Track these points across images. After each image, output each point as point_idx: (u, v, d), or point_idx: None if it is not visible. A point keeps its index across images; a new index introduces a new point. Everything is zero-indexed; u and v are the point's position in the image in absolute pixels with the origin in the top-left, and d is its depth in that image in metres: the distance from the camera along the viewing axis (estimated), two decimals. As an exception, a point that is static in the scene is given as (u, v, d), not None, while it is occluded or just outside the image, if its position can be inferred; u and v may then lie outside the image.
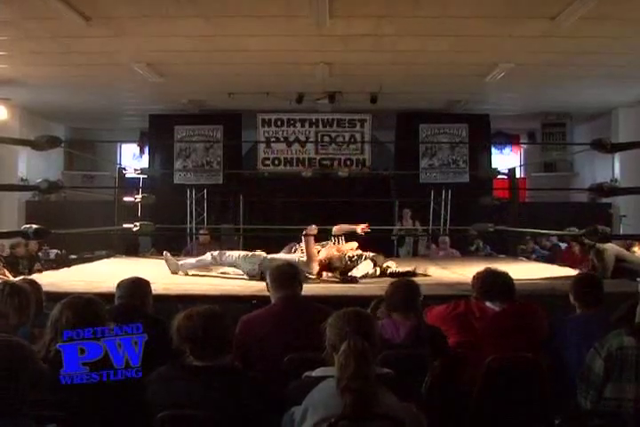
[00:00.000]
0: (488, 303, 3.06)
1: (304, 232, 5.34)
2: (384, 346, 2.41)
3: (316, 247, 5.43)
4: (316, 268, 5.24)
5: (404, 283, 3.21)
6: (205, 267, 5.64)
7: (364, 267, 5.46)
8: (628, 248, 6.41)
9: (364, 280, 5.22)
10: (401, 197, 10.35)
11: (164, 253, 5.91)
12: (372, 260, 5.58)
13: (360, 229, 5.84)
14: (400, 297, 3.03)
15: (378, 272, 5.55)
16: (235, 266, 5.44)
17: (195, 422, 2.01)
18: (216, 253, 5.58)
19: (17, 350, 1.77)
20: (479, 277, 3.21)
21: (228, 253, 5.57)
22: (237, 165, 10.89)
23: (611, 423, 2.28)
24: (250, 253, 5.44)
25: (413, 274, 5.40)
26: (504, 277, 3.17)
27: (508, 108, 10.84)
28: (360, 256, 5.61)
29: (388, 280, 4.84)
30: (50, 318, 2.32)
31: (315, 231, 5.37)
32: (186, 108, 10.71)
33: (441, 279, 5.40)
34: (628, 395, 2.33)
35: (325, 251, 5.47)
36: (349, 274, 5.30)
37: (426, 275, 5.50)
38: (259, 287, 3.34)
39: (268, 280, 3.23)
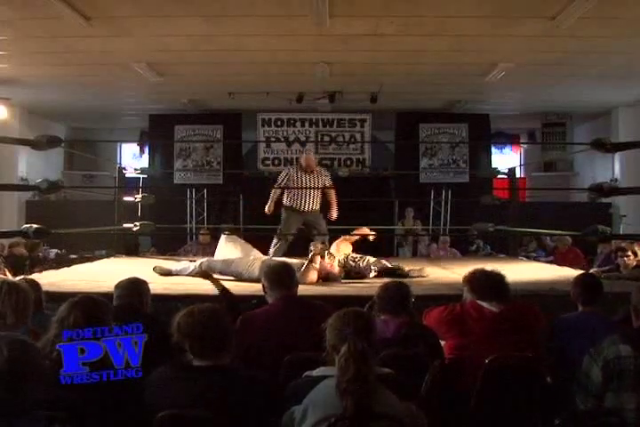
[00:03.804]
0: (485, 304, 3.03)
1: (311, 249, 5.15)
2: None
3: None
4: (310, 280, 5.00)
5: (394, 284, 3.19)
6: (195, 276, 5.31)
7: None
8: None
9: (363, 280, 5.22)
10: (401, 197, 10.35)
11: (154, 267, 5.64)
12: (374, 264, 5.49)
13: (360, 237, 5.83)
14: (390, 299, 3.02)
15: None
16: (228, 274, 5.20)
17: (195, 422, 2.01)
18: (198, 262, 5.36)
19: (24, 349, 1.77)
20: (473, 279, 3.17)
21: (219, 260, 5.40)
22: (237, 165, 10.89)
23: (610, 424, 2.27)
24: (245, 261, 5.22)
25: (401, 272, 5.32)
26: (499, 277, 3.15)
27: (508, 108, 10.85)
28: (362, 259, 5.56)
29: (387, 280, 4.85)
30: (57, 316, 2.31)
31: (320, 251, 5.12)
32: (186, 108, 10.71)
33: (441, 279, 5.39)
34: (629, 405, 2.28)
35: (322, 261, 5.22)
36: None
37: (421, 276, 5.39)
38: (259, 287, 3.34)
39: (264, 282, 3.23)
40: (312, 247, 5.21)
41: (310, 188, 6.54)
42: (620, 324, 2.96)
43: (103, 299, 2.49)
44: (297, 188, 6.53)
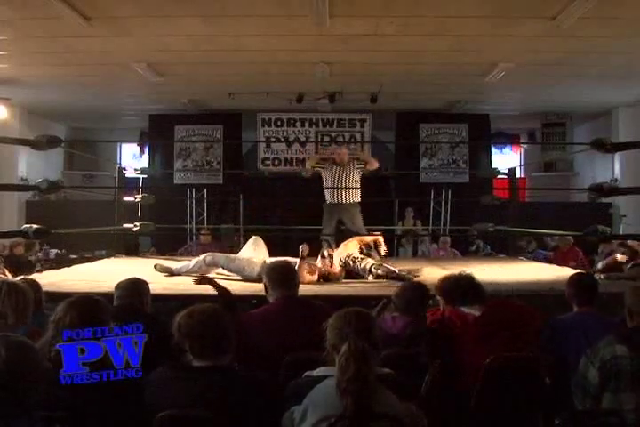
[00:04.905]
0: (465, 309, 2.99)
1: (301, 251, 5.05)
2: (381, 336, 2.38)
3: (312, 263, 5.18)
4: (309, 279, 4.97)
5: (412, 285, 3.21)
6: (198, 271, 5.33)
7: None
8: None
9: (362, 280, 5.20)
10: (401, 197, 10.35)
11: (155, 264, 5.66)
12: (375, 268, 5.45)
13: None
14: (406, 297, 3.04)
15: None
16: (230, 270, 5.23)
17: (195, 422, 2.01)
18: (202, 257, 5.36)
19: (22, 350, 1.76)
20: (445, 288, 3.14)
21: (223, 255, 5.40)
22: (237, 165, 10.90)
23: (610, 424, 2.27)
24: (247, 259, 5.23)
25: (405, 277, 5.20)
26: (470, 279, 3.12)
27: (508, 108, 10.85)
28: (362, 260, 5.48)
29: (390, 281, 4.84)
30: (53, 316, 2.31)
31: (307, 252, 5.02)
32: (186, 108, 10.71)
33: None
34: (628, 405, 2.27)
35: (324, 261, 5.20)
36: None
37: (415, 275, 5.26)
38: (259, 287, 3.34)
39: (265, 281, 3.22)
40: (302, 247, 5.17)
41: (335, 188, 6.81)
42: (618, 324, 2.95)
43: (101, 298, 2.48)
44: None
